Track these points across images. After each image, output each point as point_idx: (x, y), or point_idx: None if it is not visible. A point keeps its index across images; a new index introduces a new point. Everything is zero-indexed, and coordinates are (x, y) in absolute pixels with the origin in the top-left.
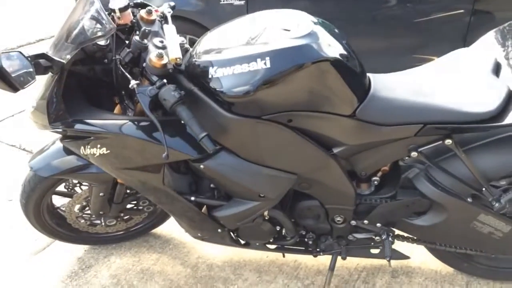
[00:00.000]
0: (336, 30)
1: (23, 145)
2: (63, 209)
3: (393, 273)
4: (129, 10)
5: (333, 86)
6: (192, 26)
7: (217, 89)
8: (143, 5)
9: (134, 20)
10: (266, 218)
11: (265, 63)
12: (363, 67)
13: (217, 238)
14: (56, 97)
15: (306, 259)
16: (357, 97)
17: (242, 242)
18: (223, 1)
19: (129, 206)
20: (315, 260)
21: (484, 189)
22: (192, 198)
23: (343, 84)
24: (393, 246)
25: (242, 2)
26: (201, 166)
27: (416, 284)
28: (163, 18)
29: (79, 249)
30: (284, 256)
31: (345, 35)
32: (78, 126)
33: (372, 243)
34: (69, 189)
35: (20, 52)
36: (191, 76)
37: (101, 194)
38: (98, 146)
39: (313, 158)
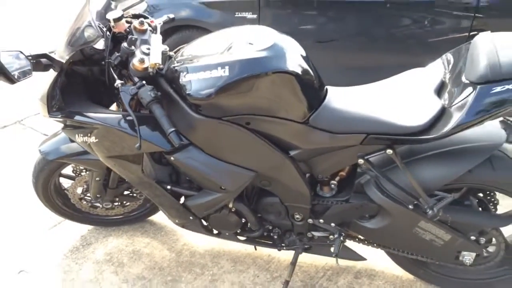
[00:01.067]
0: (298, 46)
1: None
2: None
3: (356, 274)
4: (123, 20)
5: (287, 95)
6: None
7: (186, 92)
8: (140, 16)
9: (128, 29)
10: (233, 210)
11: (224, 71)
12: (320, 80)
13: (193, 226)
14: (55, 91)
15: (279, 255)
16: (310, 106)
17: (215, 231)
18: (238, 14)
19: (126, 193)
20: (287, 255)
21: (420, 198)
22: (168, 187)
23: (297, 94)
24: (355, 249)
25: (255, 16)
26: (172, 158)
27: (375, 286)
28: (154, 28)
29: (84, 229)
30: (256, 249)
31: (304, 51)
32: (72, 116)
33: (328, 242)
34: (76, 173)
35: (21, 51)
36: (169, 79)
37: (97, 178)
38: (89, 135)
39: (270, 158)
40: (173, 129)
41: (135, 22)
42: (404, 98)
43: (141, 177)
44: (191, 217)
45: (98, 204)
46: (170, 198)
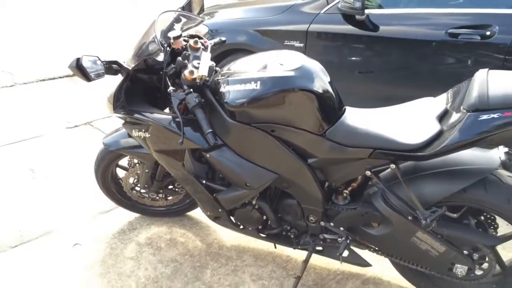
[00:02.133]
0: (322, 69)
1: None
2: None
3: (364, 281)
4: (181, 39)
5: (308, 110)
6: None
7: (224, 100)
8: (196, 37)
9: (184, 46)
10: (256, 207)
11: (256, 85)
12: (340, 100)
13: (222, 220)
14: (121, 92)
15: (296, 256)
16: (328, 121)
17: (240, 226)
18: (287, 42)
19: (169, 187)
20: (304, 257)
21: (417, 210)
22: (204, 182)
23: (317, 110)
24: (363, 255)
25: (302, 45)
26: (208, 155)
27: None
28: (206, 47)
29: (132, 216)
30: (275, 247)
31: (327, 74)
32: (131, 114)
33: (336, 244)
34: (130, 165)
35: (98, 57)
36: (212, 89)
37: (146, 170)
38: (143, 130)
39: (290, 164)
40: (210, 130)
41: (191, 41)
42: (409, 120)
43: (181, 171)
44: (220, 210)
45: (145, 195)
46: (204, 191)
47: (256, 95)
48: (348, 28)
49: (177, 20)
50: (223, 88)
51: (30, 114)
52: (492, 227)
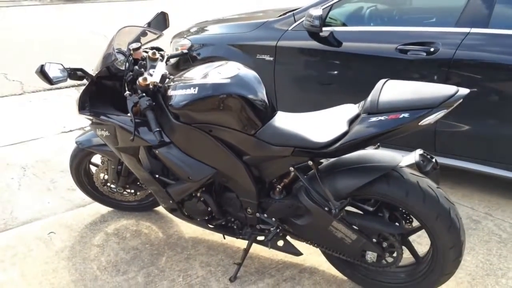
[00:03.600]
0: (257, 78)
1: None
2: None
3: (301, 269)
4: (141, 50)
5: (239, 113)
6: None
7: (169, 103)
8: (156, 49)
9: (144, 56)
10: (201, 199)
11: (194, 91)
12: (272, 105)
13: (177, 212)
14: (86, 96)
15: (243, 246)
16: (258, 123)
17: (191, 217)
18: (258, 56)
19: (138, 183)
20: (253, 249)
21: (330, 202)
22: (157, 176)
23: (247, 113)
24: (299, 247)
25: (271, 59)
26: (157, 152)
27: (313, 280)
28: (163, 58)
29: (105, 210)
30: (224, 238)
31: (261, 83)
32: (93, 115)
33: (269, 233)
34: (102, 162)
35: (62, 64)
36: (162, 94)
37: (112, 167)
38: (104, 129)
39: (226, 160)
40: (157, 129)
41: (150, 52)
42: (327, 123)
43: (137, 166)
44: (171, 201)
45: (115, 190)
46: (157, 184)
47: (194, 99)
48: (310, 43)
49: (143, 34)
50: (169, 93)
51: (33, 120)
52: (407, 221)
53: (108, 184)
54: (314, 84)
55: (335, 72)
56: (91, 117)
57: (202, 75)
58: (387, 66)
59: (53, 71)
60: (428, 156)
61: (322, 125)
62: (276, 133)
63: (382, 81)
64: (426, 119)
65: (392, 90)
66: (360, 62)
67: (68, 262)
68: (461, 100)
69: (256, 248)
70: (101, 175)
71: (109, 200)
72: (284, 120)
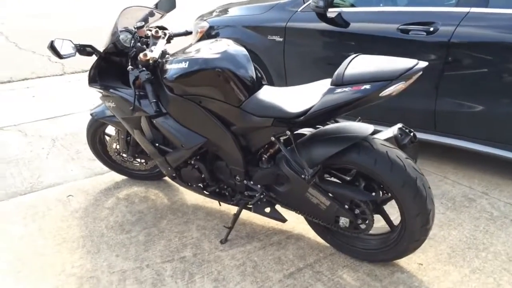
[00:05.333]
0: (245, 54)
1: None
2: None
3: (288, 236)
4: (144, 28)
5: (225, 85)
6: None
7: (164, 76)
8: (160, 28)
9: (148, 34)
10: (195, 167)
11: (185, 64)
12: (259, 79)
13: (177, 179)
14: (94, 70)
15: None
16: (243, 95)
17: (188, 184)
18: (269, 37)
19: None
20: (247, 217)
21: (304, 169)
22: (157, 145)
23: (233, 86)
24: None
25: (281, 39)
26: (154, 121)
27: (298, 245)
28: (165, 35)
29: (120, 178)
30: (220, 204)
31: (249, 58)
32: (101, 88)
33: (259, 201)
34: (115, 132)
35: (71, 40)
36: (160, 69)
37: (122, 136)
38: (111, 101)
39: (216, 130)
40: (154, 100)
41: (153, 31)
42: (304, 96)
43: (140, 136)
44: (169, 168)
45: (126, 159)
46: (157, 153)
47: (185, 72)
48: (317, 24)
49: (150, 14)
50: (165, 67)
51: (68, 98)
52: (383, 191)
53: (120, 153)
54: (321, 64)
55: (340, 52)
56: (100, 90)
57: (195, 51)
58: (388, 46)
59: (63, 47)
60: (407, 130)
61: (299, 97)
62: (259, 105)
63: (352, 56)
64: (386, 90)
65: (358, 64)
66: (364, 42)
67: (80, 220)
68: (420, 73)
69: (249, 215)
70: (114, 144)
71: (122, 169)
72: (268, 93)
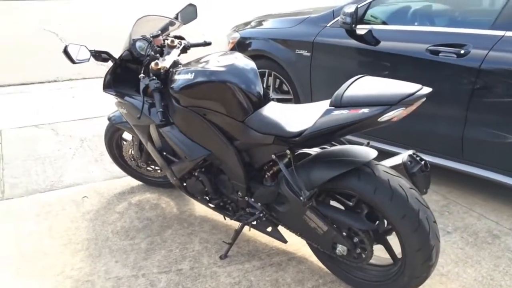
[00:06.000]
0: (253, 69)
1: None
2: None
3: (290, 257)
4: (160, 37)
5: (229, 99)
6: (275, 64)
7: (170, 86)
8: (177, 37)
9: (163, 44)
10: (199, 179)
11: (191, 76)
12: (265, 94)
13: (182, 189)
14: (110, 76)
15: (245, 231)
16: (247, 110)
17: (194, 195)
18: (297, 51)
19: None
20: (251, 234)
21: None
22: (164, 153)
23: (237, 100)
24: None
25: (309, 54)
26: (160, 131)
27: (299, 269)
28: (180, 45)
29: (136, 183)
30: (225, 219)
31: (257, 73)
32: (114, 94)
33: (263, 219)
34: (131, 138)
35: (86, 46)
36: (170, 78)
37: (135, 143)
38: (123, 107)
39: (218, 143)
40: (161, 109)
41: (169, 40)
42: (306, 115)
43: (149, 144)
44: (175, 178)
45: (140, 165)
46: (164, 161)
47: (190, 83)
48: (344, 41)
49: (171, 23)
50: (173, 77)
51: (105, 99)
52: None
53: (135, 159)
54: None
55: (366, 70)
56: (114, 96)
57: (204, 63)
58: (415, 67)
59: (76, 52)
60: (418, 158)
61: (301, 116)
62: (262, 121)
63: (356, 77)
64: (384, 116)
65: (360, 86)
66: (391, 62)
67: (89, 223)
68: (423, 99)
69: (255, 233)
70: (129, 150)
71: (137, 174)
72: (272, 110)
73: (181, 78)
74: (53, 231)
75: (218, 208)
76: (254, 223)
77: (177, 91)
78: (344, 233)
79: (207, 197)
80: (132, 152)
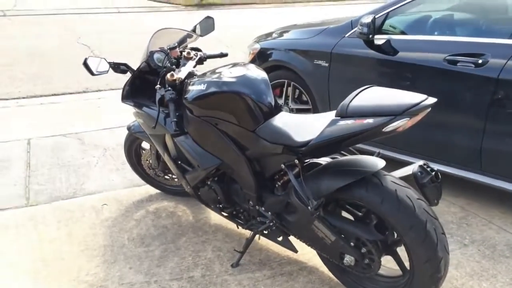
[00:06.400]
0: (264, 79)
1: None
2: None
3: (301, 267)
4: (177, 49)
5: (240, 109)
6: (294, 75)
7: (184, 96)
8: (194, 49)
9: (180, 55)
10: (212, 187)
11: (203, 86)
12: (276, 104)
13: (197, 197)
14: (129, 87)
15: (259, 242)
16: (258, 120)
17: (207, 203)
18: (316, 61)
19: None
20: (263, 244)
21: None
22: (179, 162)
23: (247, 110)
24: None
25: (327, 64)
26: (175, 140)
27: (309, 279)
28: (197, 57)
29: (155, 191)
30: (238, 227)
31: (268, 84)
32: (132, 104)
33: (274, 228)
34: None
35: (104, 59)
36: (184, 89)
37: (153, 152)
38: (140, 117)
39: (230, 153)
40: (175, 119)
41: (185, 52)
42: (314, 125)
43: (165, 153)
44: (188, 186)
45: (158, 174)
46: (178, 170)
47: (202, 93)
48: (362, 51)
49: (186, 36)
50: (187, 88)
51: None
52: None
53: (152, 168)
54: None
55: (384, 80)
56: (132, 106)
57: (217, 74)
58: (433, 78)
59: (96, 64)
60: (428, 169)
61: (308, 126)
62: (272, 131)
63: (364, 86)
64: (389, 126)
65: (366, 96)
66: (409, 72)
67: (107, 229)
68: (428, 109)
69: (268, 242)
70: (148, 159)
71: (155, 183)
72: (282, 120)
73: (194, 88)
74: (72, 237)
75: (230, 217)
76: (266, 232)
77: (190, 101)
78: (352, 243)
79: (220, 206)
80: (150, 161)
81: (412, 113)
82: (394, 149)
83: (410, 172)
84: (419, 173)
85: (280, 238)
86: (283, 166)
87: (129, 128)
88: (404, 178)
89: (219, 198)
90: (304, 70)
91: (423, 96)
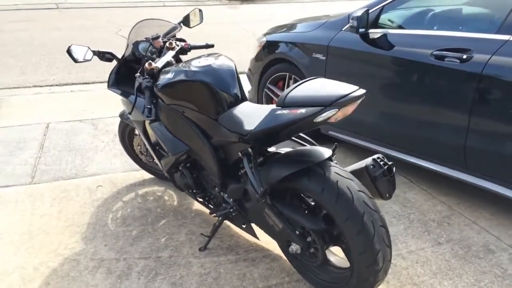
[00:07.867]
0: (230, 70)
1: None
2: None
3: (266, 254)
4: (159, 39)
5: (203, 98)
6: (295, 68)
7: (156, 84)
8: (178, 39)
9: (163, 45)
10: (183, 173)
11: (171, 75)
12: (242, 94)
13: (172, 182)
14: (114, 75)
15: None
16: (221, 109)
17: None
18: (314, 55)
19: None
20: (235, 228)
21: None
22: (157, 148)
23: (211, 99)
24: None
25: (324, 58)
26: (148, 126)
27: (269, 266)
28: (178, 47)
29: (149, 176)
30: (210, 213)
31: (234, 75)
32: (116, 91)
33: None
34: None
35: (88, 47)
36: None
37: (141, 138)
38: (124, 104)
39: (196, 140)
40: (148, 106)
41: (168, 43)
42: (260, 114)
43: (144, 138)
44: (164, 172)
45: (148, 159)
46: (154, 155)
47: (170, 82)
48: (357, 45)
49: (170, 27)
50: (160, 77)
51: None
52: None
53: (142, 153)
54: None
55: (375, 74)
56: (117, 93)
57: (187, 63)
58: (420, 73)
59: (79, 52)
60: (381, 162)
61: (259, 115)
62: (232, 119)
63: (308, 78)
64: (319, 117)
65: (306, 87)
66: (399, 66)
67: (95, 209)
68: (358, 101)
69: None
70: (139, 144)
71: (147, 167)
72: (243, 109)
73: (164, 77)
74: (61, 214)
75: (203, 202)
76: (231, 218)
77: (160, 90)
78: (298, 232)
79: (193, 191)
80: (141, 147)
81: (340, 104)
82: (381, 143)
83: (363, 166)
84: (371, 166)
85: (244, 225)
86: (240, 154)
87: (121, 115)
88: (356, 171)
89: (189, 183)
90: (304, 63)
91: (354, 88)
